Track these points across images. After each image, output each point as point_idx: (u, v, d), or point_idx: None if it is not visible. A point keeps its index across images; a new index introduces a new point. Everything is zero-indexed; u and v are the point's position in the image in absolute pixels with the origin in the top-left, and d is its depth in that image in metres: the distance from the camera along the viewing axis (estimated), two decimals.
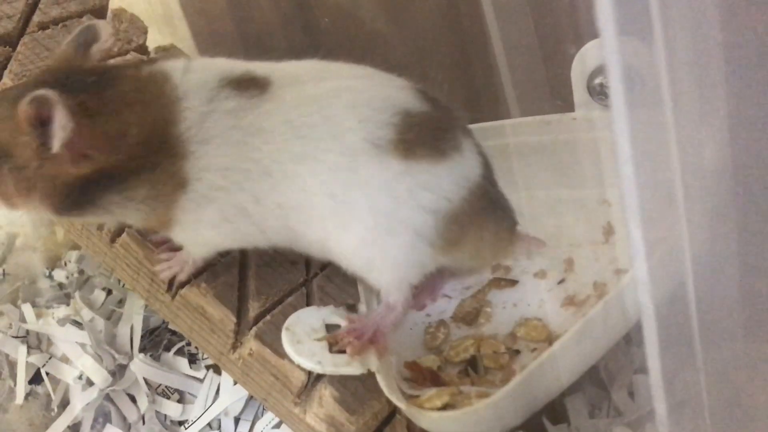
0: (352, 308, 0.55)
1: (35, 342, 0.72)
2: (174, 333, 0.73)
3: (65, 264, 0.85)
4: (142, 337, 0.71)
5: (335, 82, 0.52)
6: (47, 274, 0.85)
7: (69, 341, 0.70)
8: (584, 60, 0.57)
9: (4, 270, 0.88)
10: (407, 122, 0.50)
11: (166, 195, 0.50)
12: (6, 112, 0.47)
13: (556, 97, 0.61)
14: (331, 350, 0.51)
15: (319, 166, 0.49)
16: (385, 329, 0.52)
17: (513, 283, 0.58)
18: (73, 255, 0.83)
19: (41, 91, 0.44)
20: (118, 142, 0.48)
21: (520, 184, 0.62)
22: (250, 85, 0.51)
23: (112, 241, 0.58)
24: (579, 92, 0.59)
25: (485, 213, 0.53)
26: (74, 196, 0.48)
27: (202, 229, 0.52)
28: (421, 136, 0.51)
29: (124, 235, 0.57)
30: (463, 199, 0.52)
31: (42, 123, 0.45)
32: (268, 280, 0.58)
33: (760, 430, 0.54)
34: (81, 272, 0.83)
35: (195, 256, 0.56)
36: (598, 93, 0.57)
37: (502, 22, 0.63)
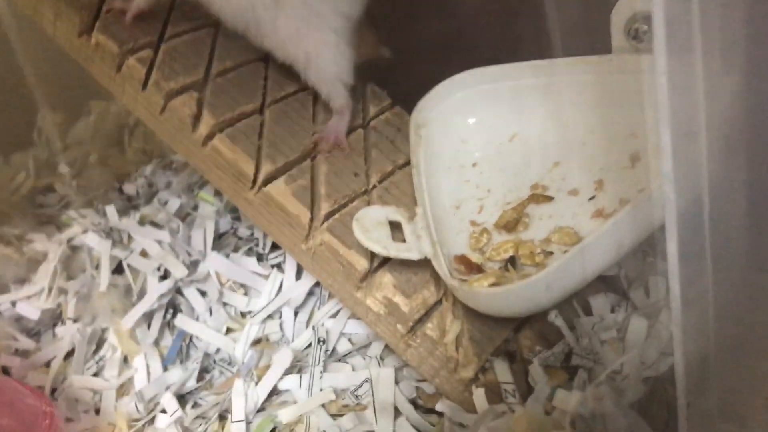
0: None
1: (118, 238, 0.82)
2: (240, 238, 0.82)
3: (135, 179, 0.94)
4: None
5: None
6: (117, 187, 0.95)
7: (149, 237, 0.79)
8: (622, 8, 0.65)
9: (77, 183, 0.97)
10: None
11: None
12: None
13: (596, 41, 0.69)
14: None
15: None
16: (342, 133, 0.72)
17: (549, 198, 0.66)
18: (148, 169, 0.92)
19: None
20: None
21: (560, 117, 0.71)
22: None
23: (203, 144, 0.67)
24: (617, 36, 0.67)
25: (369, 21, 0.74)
26: None
27: None
28: None
29: (214, 139, 0.66)
30: (361, 11, 0.71)
31: None
32: (335, 186, 0.67)
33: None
34: (150, 185, 0.92)
35: None
36: (634, 37, 0.65)
37: None
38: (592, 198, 0.65)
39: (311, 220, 0.64)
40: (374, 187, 0.69)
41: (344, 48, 0.70)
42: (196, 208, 0.84)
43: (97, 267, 0.81)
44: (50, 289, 0.81)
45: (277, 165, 0.66)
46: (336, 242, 0.62)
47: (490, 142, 0.74)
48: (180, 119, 0.67)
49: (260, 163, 0.66)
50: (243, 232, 0.82)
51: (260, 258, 0.78)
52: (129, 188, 0.94)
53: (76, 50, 0.70)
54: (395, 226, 0.63)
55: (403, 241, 0.61)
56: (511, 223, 0.65)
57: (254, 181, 0.66)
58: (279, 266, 0.77)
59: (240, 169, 0.66)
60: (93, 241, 0.81)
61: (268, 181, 0.65)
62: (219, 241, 0.81)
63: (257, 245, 0.80)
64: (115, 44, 0.68)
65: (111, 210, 0.83)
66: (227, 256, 0.79)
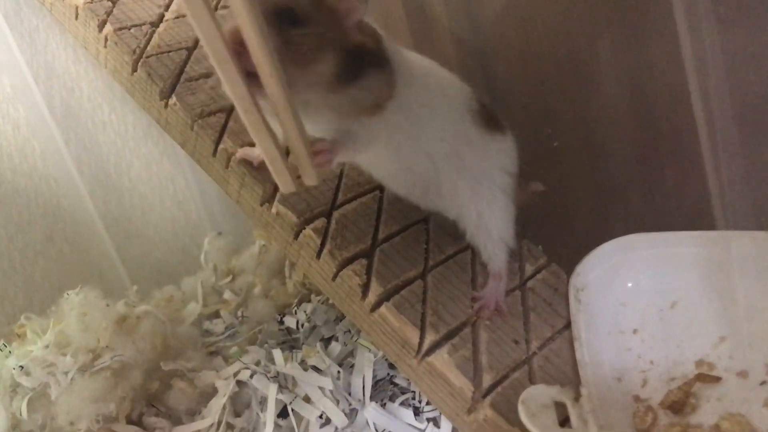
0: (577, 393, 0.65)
1: (284, 383, 0.86)
2: (396, 385, 0.85)
3: (294, 312, 1.00)
4: None
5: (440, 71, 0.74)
6: (278, 319, 1.01)
7: (312, 383, 0.83)
8: None
9: (242, 312, 1.04)
10: (479, 104, 0.73)
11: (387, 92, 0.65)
12: None
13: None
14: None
15: (434, 115, 0.69)
16: (501, 298, 0.74)
17: (716, 379, 0.65)
18: (308, 307, 0.98)
19: None
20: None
21: (722, 289, 0.70)
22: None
23: (372, 311, 0.71)
24: None
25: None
26: (346, 66, 0.60)
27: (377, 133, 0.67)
28: (491, 116, 0.74)
29: (381, 307, 0.70)
30: (519, 162, 0.76)
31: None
32: (496, 356, 0.69)
33: None
34: (308, 320, 0.98)
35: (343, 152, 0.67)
36: None
37: None
38: (764, 383, 0.63)
39: (473, 392, 0.66)
40: (534, 354, 0.71)
41: (512, 209, 0.75)
42: (352, 353, 0.88)
43: (261, 404, 0.86)
44: (219, 424, 0.87)
45: (440, 334, 0.69)
46: (500, 420, 0.64)
47: (650, 307, 0.74)
48: (350, 287, 0.72)
49: (424, 332, 0.69)
50: (400, 380, 0.84)
51: (416, 411, 0.81)
52: (289, 321, 0.99)
53: (257, 216, 0.77)
54: (562, 407, 0.63)
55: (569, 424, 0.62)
56: (677, 404, 0.64)
57: (418, 350, 0.69)
58: (435, 421, 0.79)
59: (405, 338, 0.69)
60: (260, 383, 0.86)
61: (431, 350, 0.68)
62: (375, 386, 0.84)
63: (414, 398, 0.82)
64: (294, 214, 0.74)
65: (278, 355, 0.89)
66: (383, 405, 0.82)
